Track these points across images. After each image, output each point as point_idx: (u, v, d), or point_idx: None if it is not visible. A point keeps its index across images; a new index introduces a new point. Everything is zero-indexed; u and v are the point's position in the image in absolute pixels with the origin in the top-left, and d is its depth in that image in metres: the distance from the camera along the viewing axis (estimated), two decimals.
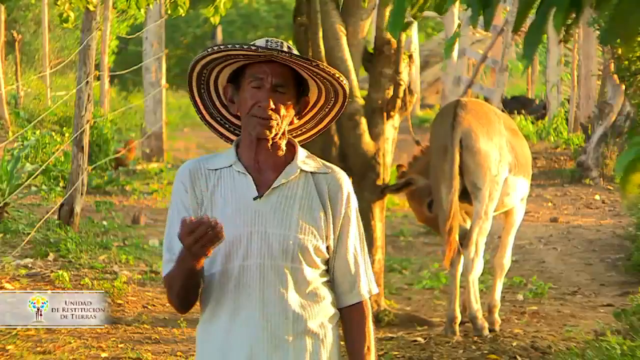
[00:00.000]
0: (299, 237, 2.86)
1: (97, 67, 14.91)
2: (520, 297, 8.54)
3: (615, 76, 12.98)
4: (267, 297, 2.84)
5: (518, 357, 6.53)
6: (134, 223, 10.51)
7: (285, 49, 2.86)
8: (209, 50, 2.88)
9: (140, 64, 16.42)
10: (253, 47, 2.83)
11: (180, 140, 19.07)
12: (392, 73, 7.46)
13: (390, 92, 7.47)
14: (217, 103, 3.05)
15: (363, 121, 7.40)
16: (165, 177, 14.42)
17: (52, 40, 19.74)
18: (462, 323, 7.38)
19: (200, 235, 2.70)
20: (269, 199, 2.88)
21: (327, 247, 2.92)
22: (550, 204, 13.40)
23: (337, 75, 2.92)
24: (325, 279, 2.93)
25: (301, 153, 2.97)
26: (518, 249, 10.60)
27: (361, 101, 7.50)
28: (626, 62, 8.54)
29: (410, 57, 7.55)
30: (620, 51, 8.41)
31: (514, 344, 6.81)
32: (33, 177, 9.75)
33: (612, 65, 13.39)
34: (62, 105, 14.80)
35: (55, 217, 9.19)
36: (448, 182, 6.82)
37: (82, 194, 9.22)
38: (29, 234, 8.59)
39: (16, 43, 16.65)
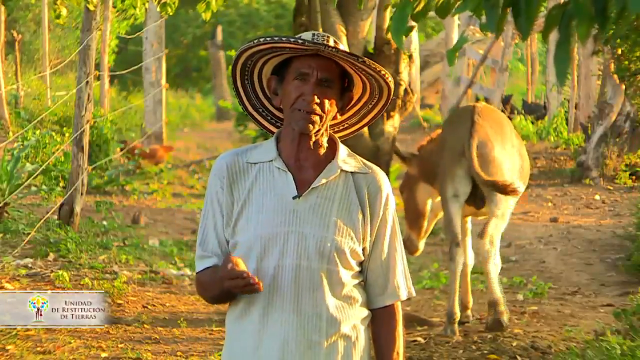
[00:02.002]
0: (336, 239, 2.83)
1: (97, 67, 14.91)
2: (520, 297, 8.54)
3: (615, 76, 12.98)
4: (301, 298, 2.82)
5: (518, 357, 6.53)
6: (134, 223, 10.51)
7: (331, 43, 2.83)
8: (255, 41, 2.84)
9: (140, 64, 16.43)
10: (300, 41, 2.79)
11: (180, 140, 19.09)
12: (392, 73, 7.46)
13: None
14: (260, 94, 3.01)
15: None
16: (165, 177, 14.44)
17: (52, 40, 19.74)
18: (462, 323, 7.40)
19: (239, 285, 2.73)
20: (308, 198, 2.85)
21: (363, 249, 2.89)
22: (550, 204, 13.41)
23: (382, 72, 2.87)
24: (359, 280, 2.91)
25: (342, 151, 2.93)
26: (518, 249, 10.61)
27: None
28: (626, 62, 8.54)
29: (410, 57, 7.55)
30: (620, 51, 8.41)
31: (514, 344, 6.81)
32: (33, 177, 9.75)
33: (612, 65, 13.39)
34: (62, 105, 14.80)
35: (55, 217, 9.19)
36: (457, 185, 6.87)
37: (82, 194, 9.22)
38: (29, 234, 8.59)
39: (16, 43, 16.65)
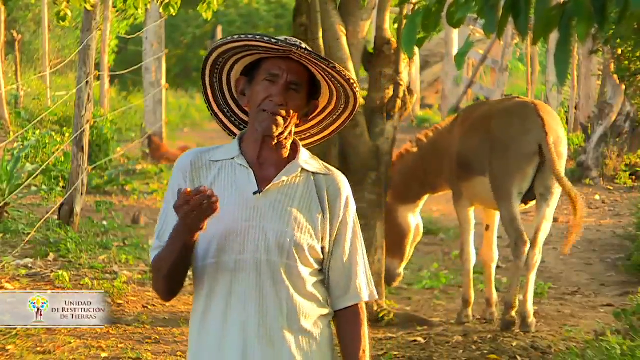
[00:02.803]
0: (296, 235, 2.85)
1: (97, 67, 14.91)
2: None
3: (615, 76, 12.98)
4: (262, 292, 2.84)
5: (518, 357, 6.52)
6: (134, 223, 10.51)
7: (304, 46, 2.85)
8: (230, 38, 2.86)
9: (140, 64, 16.44)
10: (274, 40, 2.81)
11: (180, 140, 19.08)
12: (392, 73, 7.45)
13: (390, 92, 7.47)
14: (228, 95, 3.04)
15: (363, 121, 7.40)
16: (165, 177, 14.43)
17: (52, 40, 19.75)
18: (463, 323, 7.43)
19: (196, 206, 2.70)
20: (269, 195, 2.88)
21: (323, 248, 2.92)
22: None
23: (352, 80, 2.91)
24: (319, 278, 2.93)
25: (304, 153, 2.97)
26: None
27: (361, 101, 7.48)
28: (626, 62, 8.55)
29: (410, 57, 7.55)
30: (620, 51, 8.42)
31: (514, 344, 6.81)
32: (33, 177, 9.76)
33: (612, 65, 13.40)
34: (62, 105, 14.81)
35: (55, 217, 9.19)
36: (524, 184, 7.01)
37: (82, 194, 9.22)
38: (29, 234, 8.59)
39: (16, 43, 16.66)
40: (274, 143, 2.90)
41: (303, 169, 2.93)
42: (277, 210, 2.87)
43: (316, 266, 2.91)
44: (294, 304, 2.86)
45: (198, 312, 2.91)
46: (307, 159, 2.96)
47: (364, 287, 2.96)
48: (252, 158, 2.92)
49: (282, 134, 2.89)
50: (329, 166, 3.00)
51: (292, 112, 2.88)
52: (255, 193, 2.87)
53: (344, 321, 2.95)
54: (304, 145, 3.04)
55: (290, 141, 2.94)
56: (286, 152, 2.94)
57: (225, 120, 3.08)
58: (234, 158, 2.92)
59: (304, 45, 2.85)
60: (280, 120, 2.86)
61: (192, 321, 2.95)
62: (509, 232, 7.18)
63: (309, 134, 3.07)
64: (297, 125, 2.95)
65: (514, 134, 7.14)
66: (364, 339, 2.94)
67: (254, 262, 2.84)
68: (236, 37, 2.85)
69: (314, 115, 3.01)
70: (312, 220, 2.88)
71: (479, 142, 7.28)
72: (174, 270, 2.85)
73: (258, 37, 2.83)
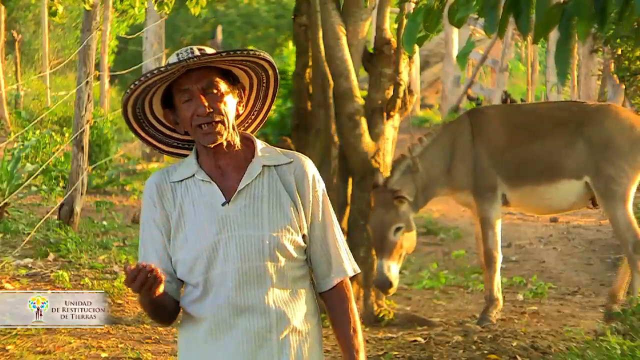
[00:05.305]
0: (274, 235, 2.87)
1: (97, 67, 14.92)
2: (520, 297, 8.54)
3: (615, 76, 12.98)
4: (248, 298, 2.86)
5: (518, 357, 6.52)
6: (134, 223, 10.50)
7: (196, 53, 2.85)
8: (129, 91, 2.88)
9: (140, 64, 16.44)
10: (162, 69, 2.83)
11: None
12: (392, 73, 7.46)
13: (390, 92, 7.47)
14: (167, 132, 3.04)
15: (363, 121, 7.40)
16: None
17: (52, 40, 19.75)
18: (461, 323, 7.43)
19: (142, 282, 2.75)
20: (237, 202, 2.88)
21: (304, 236, 2.93)
22: None
23: (251, 51, 2.90)
24: (304, 272, 2.95)
25: (259, 147, 2.97)
26: (518, 249, 10.61)
27: (361, 101, 7.50)
28: (626, 62, 8.55)
29: (410, 57, 7.55)
30: (620, 51, 8.42)
31: (514, 344, 6.81)
32: (33, 177, 9.76)
33: (612, 65, 13.40)
34: (62, 105, 14.81)
35: (55, 217, 9.19)
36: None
37: (82, 194, 9.22)
38: (29, 234, 8.59)
39: (16, 43, 16.66)
40: (224, 146, 2.91)
41: (264, 166, 2.93)
42: (249, 215, 2.88)
43: (301, 256, 2.93)
44: (281, 305, 2.87)
45: (187, 326, 2.97)
46: (264, 153, 2.95)
47: (346, 263, 2.98)
48: (211, 170, 2.93)
49: (227, 134, 2.89)
50: (287, 152, 3.00)
51: (223, 110, 2.88)
52: (223, 204, 2.88)
53: (330, 301, 2.97)
54: (257, 127, 3.07)
55: (237, 136, 2.95)
56: (238, 149, 2.93)
57: (184, 152, 3.08)
58: (194, 175, 2.93)
59: (195, 50, 2.86)
60: (219, 125, 2.87)
61: (180, 334, 3.01)
62: (624, 236, 7.12)
63: (254, 113, 3.07)
64: (239, 115, 2.97)
65: (632, 138, 7.13)
66: (352, 317, 2.95)
67: (237, 271, 2.85)
68: (132, 86, 2.87)
69: (246, 97, 3.00)
70: (285, 214, 2.89)
71: (563, 146, 7.19)
72: (157, 312, 2.98)
73: (149, 74, 2.84)
